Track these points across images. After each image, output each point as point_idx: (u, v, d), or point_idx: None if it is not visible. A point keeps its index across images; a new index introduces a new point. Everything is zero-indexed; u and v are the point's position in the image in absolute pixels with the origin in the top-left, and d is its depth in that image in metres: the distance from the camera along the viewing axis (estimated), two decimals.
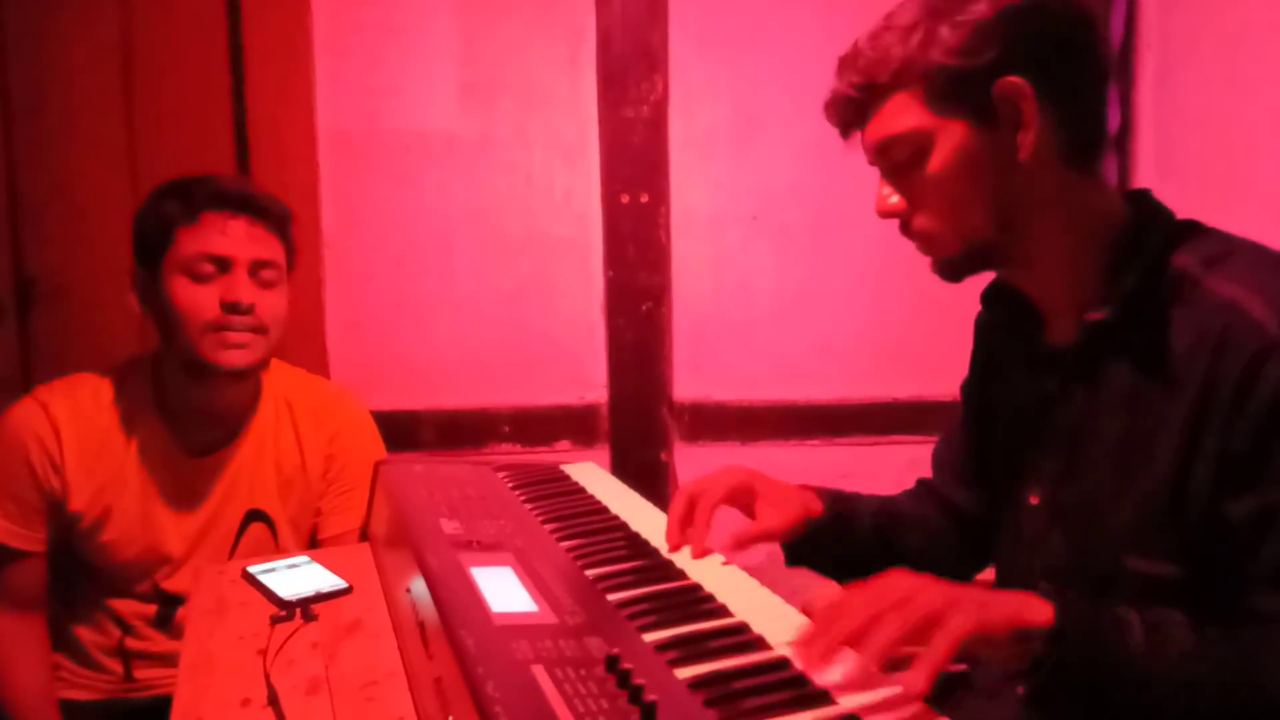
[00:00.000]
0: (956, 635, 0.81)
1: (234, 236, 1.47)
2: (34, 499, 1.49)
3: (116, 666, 1.56)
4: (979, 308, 1.28)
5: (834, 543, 1.27)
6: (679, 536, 1.21)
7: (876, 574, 0.90)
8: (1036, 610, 0.87)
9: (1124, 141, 2.18)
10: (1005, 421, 1.21)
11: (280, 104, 2.08)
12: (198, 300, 1.45)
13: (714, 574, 1.11)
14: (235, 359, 1.47)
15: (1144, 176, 2.16)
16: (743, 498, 1.27)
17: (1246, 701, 0.88)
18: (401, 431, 2.06)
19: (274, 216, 1.52)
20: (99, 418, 1.52)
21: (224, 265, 1.46)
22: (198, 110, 2.05)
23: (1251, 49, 1.90)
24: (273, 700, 1.03)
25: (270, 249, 1.50)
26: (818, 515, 1.27)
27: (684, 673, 0.85)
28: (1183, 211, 1.09)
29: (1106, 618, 0.89)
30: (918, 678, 0.79)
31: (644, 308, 2.19)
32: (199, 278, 1.46)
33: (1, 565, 1.51)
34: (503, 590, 1.01)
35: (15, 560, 1.51)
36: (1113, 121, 2.18)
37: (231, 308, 1.45)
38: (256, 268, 1.48)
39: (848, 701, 0.81)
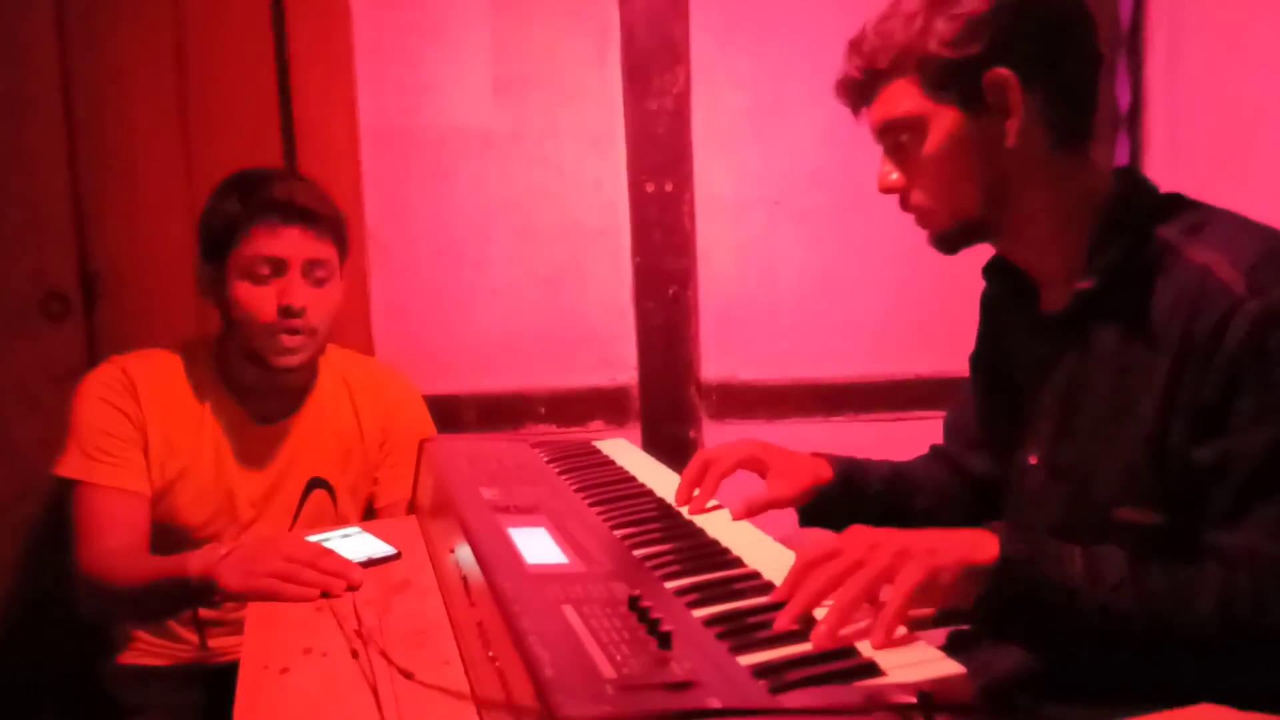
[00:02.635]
0: (909, 588, 0.89)
1: (288, 240, 1.58)
2: (138, 437, 1.59)
3: (192, 636, 1.67)
4: None
5: (844, 507, 1.34)
6: (688, 496, 1.31)
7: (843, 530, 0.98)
8: (984, 548, 0.95)
9: (1135, 120, 2.21)
10: (1006, 386, 1.29)
11: (324, 104, 2.17)
12: (257, 302, 1.57)
13: (733, 532, 1.19)
14: (288, 361, 1.60)
15: (1155, 154, 2.19)
16: (755, 466, 1.36)
17: (1174, 630, 0.95)
18: (444, 414, 2.15)
19: (327, 220, 1.62)
20: (173, 384, 1.64)
21: (279, 267, 1.58)
22: (247, 112, 2.13)
23: (1259, 27, 1.94)
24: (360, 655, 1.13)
25: (322, 250, 1.61)
26: (827, 482, 1.35)
27: (700, 612, 0.94)
28: (1192, 189, 1.14)
29: (1048, 550, 0.97)
30: (875, 634, 0.86)
31: (671, 291, 2.27)
32: (258, 279, 1.57)
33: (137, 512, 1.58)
34: (537, 546, 1.11)
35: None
36: (1123, 101, 2.22)
37: (286, 311, 1.57)
38: (310, 267, 1.59)
39: (849, 632, 0.89)
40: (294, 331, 1.58)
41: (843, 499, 1.35)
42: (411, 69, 2.24)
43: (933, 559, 0.92)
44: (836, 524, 1.35)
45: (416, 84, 2.25)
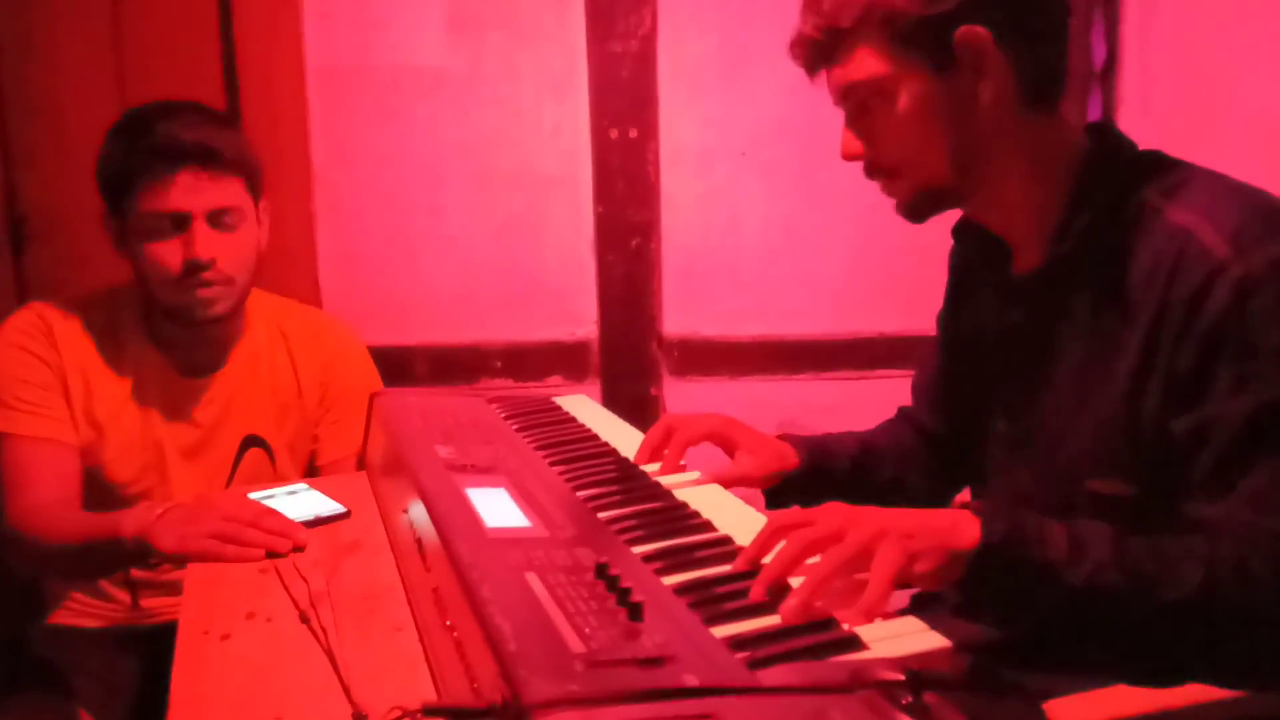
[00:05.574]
0: (889, 573, 0.85)
1: (183, 189, 1.45)
2: (58, 384, 1.51)
3: (124, 596, 1.60)
4: None
5: (810, 490, 1.30)
6: (648, 460, 1.26)
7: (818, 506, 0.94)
8: (965, 530, 0.91)
9: (1109, 76, 2.19)
10: (975, 351, 1.25)
11: (268, 39, 2.07)
12: (161, 258, 1.47)
13: (699, 494, 1.14)
14: (208, 312, 1.50)
15: (1128, 110, 2.17)
16: (722, 441, 1.31)
17: (1159, 607, 0.92)
18: (394, 366, 2.09)
19: (226, 157, 1.48)
20: (93, 331, 1.55)
21: (180, 221, 1.46)
22: (187, 48, 2.04)
23: None
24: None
25: (224, 193, 1.48)
26: (793, 467, 1.31)
27: (670, 580, 0.89)
28: (1164, 145, 1.10)
29: (1030, 532, 0.93)
30: (856, 618, 0.82)
31: (633, 243, 2.21)
32: (159, 235, 1.46)
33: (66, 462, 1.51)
34: (497, 508, 1.05)
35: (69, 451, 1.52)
36: (1098, 57, 2.19)
37: (192, 266, 1.46)
38: (215, 216, 1.48)
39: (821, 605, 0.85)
40: (206, 284, 1.48)
41: (809, 483, 1.30)
42: (361, 3, 2.14)
43: (911, 543, 0.88)
44: (804, 505, 1.31)
45: (366, 20, 2.15)
